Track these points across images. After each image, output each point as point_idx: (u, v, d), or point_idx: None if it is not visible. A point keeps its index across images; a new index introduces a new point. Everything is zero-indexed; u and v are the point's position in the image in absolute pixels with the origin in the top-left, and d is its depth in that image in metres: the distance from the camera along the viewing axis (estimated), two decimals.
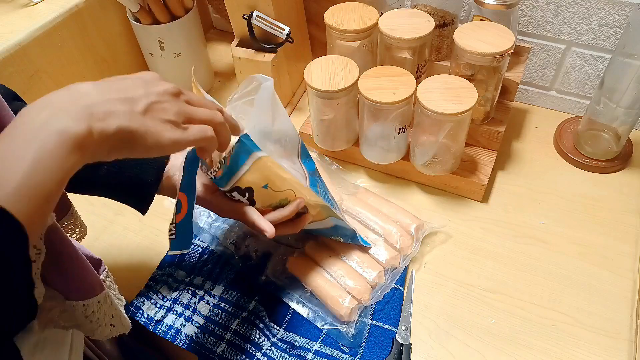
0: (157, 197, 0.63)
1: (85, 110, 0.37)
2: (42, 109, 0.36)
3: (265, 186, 0.56)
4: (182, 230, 0.55)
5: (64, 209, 0.56)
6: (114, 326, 0.50)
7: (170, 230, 0.54)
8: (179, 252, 0.58)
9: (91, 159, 0.37)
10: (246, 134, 0.53)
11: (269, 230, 0.57)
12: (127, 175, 0.60)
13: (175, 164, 0.62)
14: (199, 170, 0.58)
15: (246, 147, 0.53)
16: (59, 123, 0.35)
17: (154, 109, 0.41)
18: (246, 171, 0.54)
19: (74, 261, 0.44)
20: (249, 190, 0.57)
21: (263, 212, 0.59)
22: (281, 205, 0.59)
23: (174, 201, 0.54)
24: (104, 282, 0.50)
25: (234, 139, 0.52)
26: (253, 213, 0.58)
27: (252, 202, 0.58)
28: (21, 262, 0.33)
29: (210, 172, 0.55)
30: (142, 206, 0.62)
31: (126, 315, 0.52)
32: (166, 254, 0.74)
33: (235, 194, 0.57)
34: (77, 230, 0.58)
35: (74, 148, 0.35)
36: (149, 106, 0.41)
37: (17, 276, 0.33)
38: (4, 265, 0.32)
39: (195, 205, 0.58)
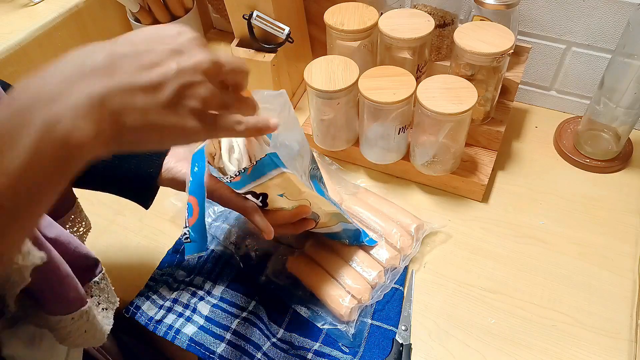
0: (157, 197, 0.62)
1: (96, 102, 0.29)
2: (47, 97, 0.29)
3: (282, 195, 0.55)
4: (196, 233, 0.54)
5: (69, 203, 0.55)
6: (85, 339, 0.47)
7: (184, 234, 0.53)
8: (196, 254, 0.55)
9: (93, 159, 0.31)
10: (275, 152, 0.50)
11: (268, 232, 0.56)
12: (126, 167, 0.57)
13: (177, 153, 0.60)
14: (206, 165, 0.56)
15: (272, 162, 0.51)
16: (61, 125, 0.28)
17: (182, 96, 0.33)
18: (266, 182, 0.52)
19: (59, 279, 0.42)
20: (264, 195, 0.56)
21: (267, 211, 0.58)
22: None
23: (176, 202, 0.53)
24: (98, 284, 0.49)
25: (261, 152, 0.50)
26: (255, 212, 0.57)
27: (264, 205, 0.57)
28: None
29: (226, 178, 0.53)
30: (144, 200, 0.61)
31: (104, 328, 0.49)
32: (166, 254, 0.74)
33: (249, 196, 0.56)
34: (83, 224, 0.57)
35: (76, 152, 0.29)
36: (176, 94, 0.33)
37: None
38: None
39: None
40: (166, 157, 0.60)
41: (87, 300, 0.46)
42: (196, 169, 0.54)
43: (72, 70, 0.30)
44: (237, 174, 0.51)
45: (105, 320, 0.50)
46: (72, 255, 0.45)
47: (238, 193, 0.57)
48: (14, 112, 0.29)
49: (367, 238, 0.70)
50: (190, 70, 0.34)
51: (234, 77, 0.39)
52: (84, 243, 0.51)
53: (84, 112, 0.29)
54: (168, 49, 0.33)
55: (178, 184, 0.59)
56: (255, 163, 0.50)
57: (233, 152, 0.54)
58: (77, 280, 0.45)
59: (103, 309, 0.50)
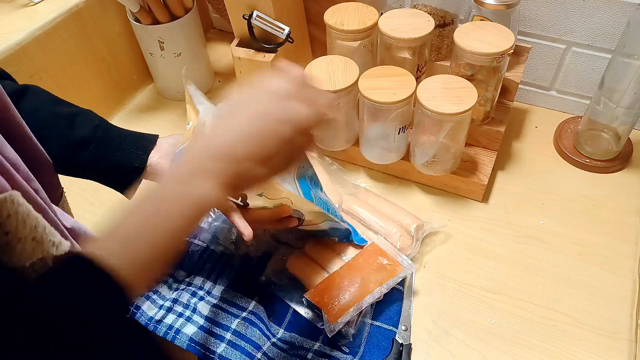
0: None
1: (229, 179, 0.40)
2: (191, 176, 0.40)
3: (260, 194, 0.57)
4: None
5: (58, 195, 0.56)
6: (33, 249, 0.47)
7: None
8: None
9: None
10: None
11: (247, 234, 0.58)
12: (111, 159, 0.60)
13: (162, 148, 0.63)
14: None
15: None
16: (205, 196, 0.39)
17: (288, 157, 0.44)
18: None
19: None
20: (243, 195, 0.57)
21: (248, 210, 0.59)
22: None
23: None
24: None
25: None
26: (234, 213, 0.58)
27: (245, 205, 0.59)
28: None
29: None
30: (126, 191, 0.63)
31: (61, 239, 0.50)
32: None
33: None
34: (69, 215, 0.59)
35: (208, 208, 0.41)
36: (288, 160, 0.44)
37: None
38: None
39: None
40: (151, 152, 0.62)
41: None
42: None
43: (212, 154, 0.41)
44: None
45: None
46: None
47: None
48: (175, 187, 0.40)
49: (357, 237, 0.70)
50: (296, 137, 0.43)
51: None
52: None
53: (217, 188, 0.40)
54: (272, 122, 0.42)
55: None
56: None
57: None
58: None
59: None
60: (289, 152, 0.43)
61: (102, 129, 0.61)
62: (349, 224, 0.70)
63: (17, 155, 0.41)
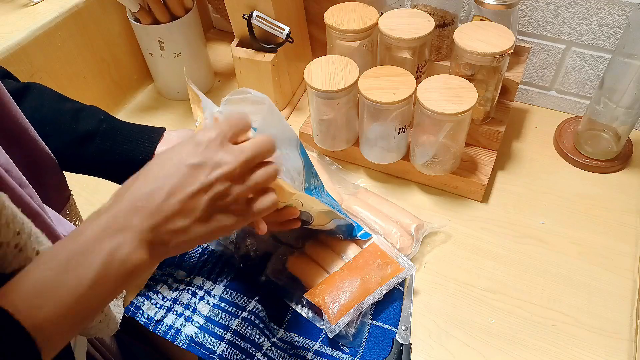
0: None
1: (147, 235, 0.38)
2: (104, 230, 0.37)
3: None
4: None
5: (65, 198, 0.56)
6: (99, 329, 0.48)
7: None
8: None
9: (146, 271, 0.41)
10: None
11: (262, 228, 0.55)
12: (117, 152, 0.58)
13: (170, 141, 0.61)
14: None
15: None
16: (119, 252, 0.36)
17: (214, 206, 0.40)
18: None
19: None
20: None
21: None
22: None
23: None
24: None
25: None
26: None
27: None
28: None
29: None
30: None
31: (116, 318, 0.50)
32: None
33: None
34: (77, 218, 0.58)
35: (134, 271, 0.37)
36: (209, 208, 0.40)
37: None
38: None
39: None
40: (158, 145, 0.60)
41: None
42: None
43: (126, 207, 0.38)
44: None
45: (117, 309, 0.51)
46: None
47: None
48: (87, 240, 0.36)
49: (361, 232, 0.70)
50: (216, 184, 0.40)
51: (261, 164, 0.44)
52: None
53: (137, 243, 0.37)
54: (188, 169, 0.40)
55: None
56: None
57: None
58: None
59: None
60: (224, 204, 0.40)
61: (107, 122, 0.59)
62: (349, 219, 0.70)
63: (9, 159, 0.41)
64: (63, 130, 0.57)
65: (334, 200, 0.71)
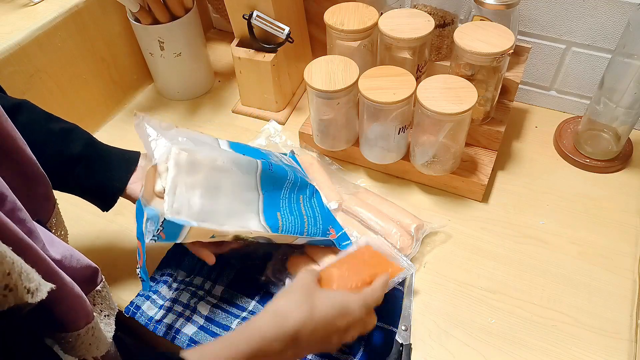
0: None
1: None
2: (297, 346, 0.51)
3: (213, 236, 0.59)
4: (144, 274, 0.57)
5: (51, 208, 0.56)
6: (89, 350, 0.48)
7: (138, 273, 0.57)
8: (146, 292, 0.67)
9: None
10: (165, 218, 0.54)
11: (210, 261, 0.64)
12: (96, 179, 0.63)
13: (142, 169, 0.64)
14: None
15: (173, 225, 0.55)
16: None
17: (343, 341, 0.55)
18: (185, 237, 0.57)
19: (72, 302, 0.43)
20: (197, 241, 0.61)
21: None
22: None
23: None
24: (100, 293, 0.49)
25: (160, 219, 0.55)
26: (192, 246, 0.64)
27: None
28: None
29: (153, 238, 0.56)
30: (106, 206, 0.66)
31: (107, 338, 0.50)
32: (166, 254, 0.74)
33: None
34: (62, 227, 0.59)
35: None
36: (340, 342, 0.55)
37: None
38: None
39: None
40: (132, 175, 0.64)
41: (94, 314, 0.46)
42: (139, 217, 0.58)
43: (307, 338, 0.52)
44: (155, 240, 0.55)
45: (107, 328, 0.50)
46: (76, 270, 0.46)
47: None
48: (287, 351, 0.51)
49: (345, 242, 0.69)
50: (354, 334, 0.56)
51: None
52: None
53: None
54: (346, 330, 0.55)
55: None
56: (161, 229, 0.55)
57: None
58: (85, 297, 0.45)
59: (105, 315, 0.51)
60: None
61: (92, 146, 0.64)
62: (339, 226, 0.70)
63: (5, 185, 0.40)
64: (53, 151, 0.61)
65: (326, 208, 0.72)
